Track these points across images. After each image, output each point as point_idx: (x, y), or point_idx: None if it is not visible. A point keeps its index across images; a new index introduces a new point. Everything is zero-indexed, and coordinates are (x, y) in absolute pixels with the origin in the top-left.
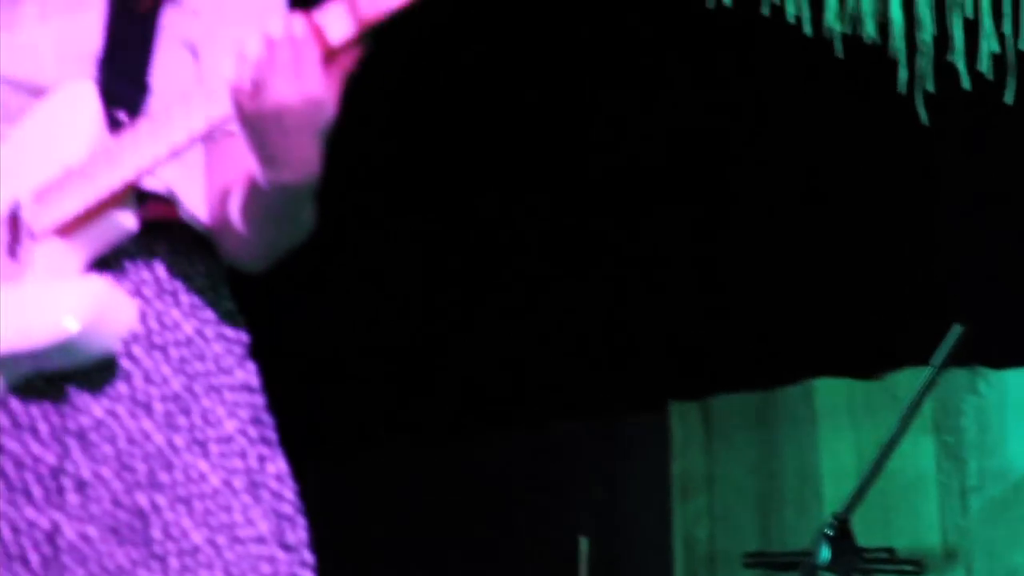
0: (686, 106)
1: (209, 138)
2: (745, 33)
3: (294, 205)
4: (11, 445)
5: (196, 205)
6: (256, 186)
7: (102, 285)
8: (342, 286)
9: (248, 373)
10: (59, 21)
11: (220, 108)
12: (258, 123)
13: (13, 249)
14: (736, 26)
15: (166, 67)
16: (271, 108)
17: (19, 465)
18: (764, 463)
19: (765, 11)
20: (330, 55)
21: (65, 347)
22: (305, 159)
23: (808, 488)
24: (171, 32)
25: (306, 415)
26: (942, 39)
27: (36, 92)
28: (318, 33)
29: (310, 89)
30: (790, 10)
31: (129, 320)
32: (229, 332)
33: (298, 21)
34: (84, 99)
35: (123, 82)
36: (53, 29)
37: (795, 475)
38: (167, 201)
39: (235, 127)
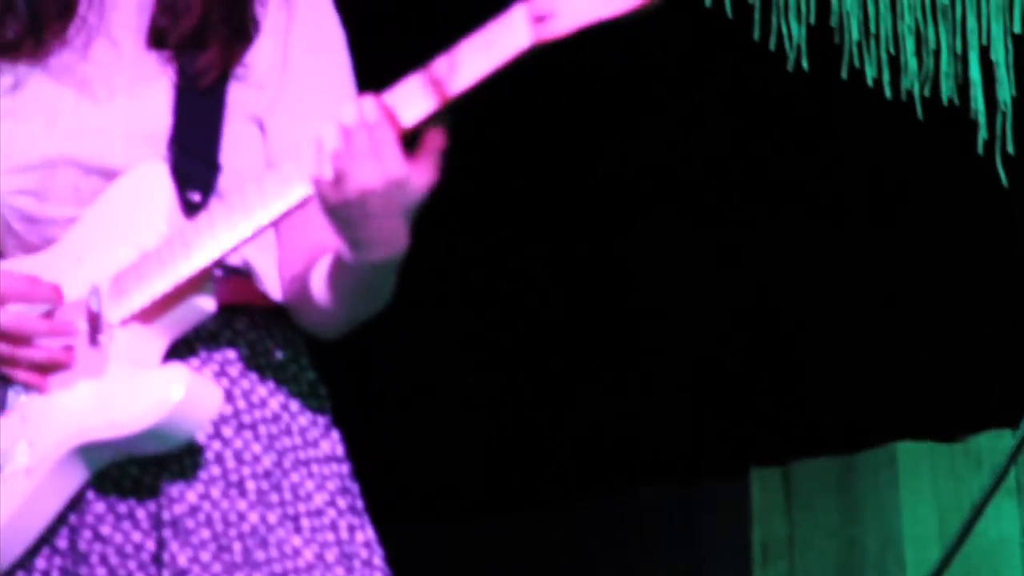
0: (767, 167)
1: (287, 217)
2: (824, 96)
3: (381, 279)
4: (112, 534)
5: (271, 278)
6: (342, 263)
7: (187, 371)
8: (421, 355)
9: (333, 443)
10: (126, 101)
11: (297, 191)
12: (343, 211)
13: (93, 337)
14: (816, 90)
15: (235, 144)
16: (355, 195)
17: (122, 554)
18: (845, 528)
19: (844, 74)
20: (410, 134)
21: (154, 434)
22: (392, 238)
23: (890, 553)
24: (237, 107)
25: (387, 481)
26: (1022, 100)
27: (107, 174)
28: (391, 115)
29: (391, 171)
30: (869, 73)
31: (215, 404)
32: (313, 404)
33: (370, 105)
34: (157, 181)
35: (194, 161)
36: (120, 110)
37: (877, 540)
38: (245, 276)
39: (318, 211)
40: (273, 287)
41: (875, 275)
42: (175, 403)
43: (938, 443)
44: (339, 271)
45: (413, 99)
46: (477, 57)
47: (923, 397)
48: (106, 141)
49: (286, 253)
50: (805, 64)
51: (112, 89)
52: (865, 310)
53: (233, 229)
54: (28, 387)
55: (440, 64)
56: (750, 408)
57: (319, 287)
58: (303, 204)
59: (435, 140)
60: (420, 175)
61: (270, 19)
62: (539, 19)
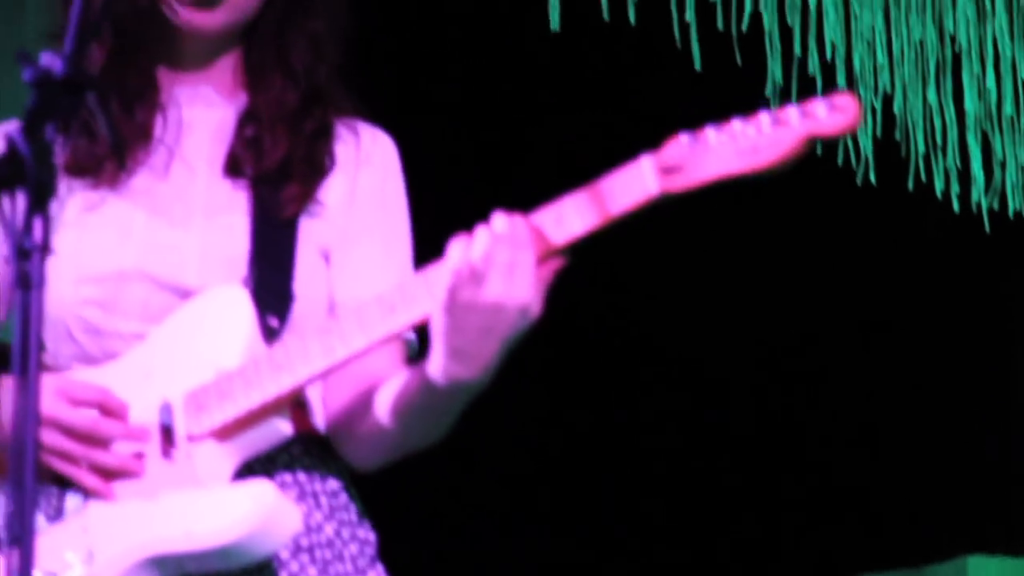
0: (841, 282)
1: (365, 354)
2: (894, 209)
3: (455, 404)
4: None
5: (318, 410)
6: (423, 381)
7: (274, 489)
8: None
9: (379, 573)
10: (203, 223)
11: (379, 330)
12: (466, 314)
13: (165, 450)
14: (883, 203)
15: (306, 274)
16: (485, 303)
17: None
18: None
19: (911, 186)
20: (544, 258)
21: (232, 549)
22: (489, 357)
23: None
24: (308, 238)
25: None
26: None
27: (180, 292)
28: (539, 236)
29: (521, 293)
30: (938, 186)
31: (296, 524)
32: (361, 533)
33: (520, 223)
34: (238, 304)
35: (271, 289)
36: (197, 231)
37: None
38: (299, 406)
39: (436, 314)
40: (319, 418)
41: (950, 390)
42: (261, 520)
43: (1009, 557)
44: (416, 390)
45: (560, 224)
46: (602, 202)
47: (994, 510)
48: (181, 260)
49: (335, 384)
50: (873, 177)
51: (188, 210)
52: (939, 424)
53: (314, 357)
54: (90, 494)
55: (558, 210)
56: (821, 519)
57: (384, 409)
58: (384, 340)
59: (554, 267)
60: (538, 302)
61: (341, 158)
62: (666, 171)
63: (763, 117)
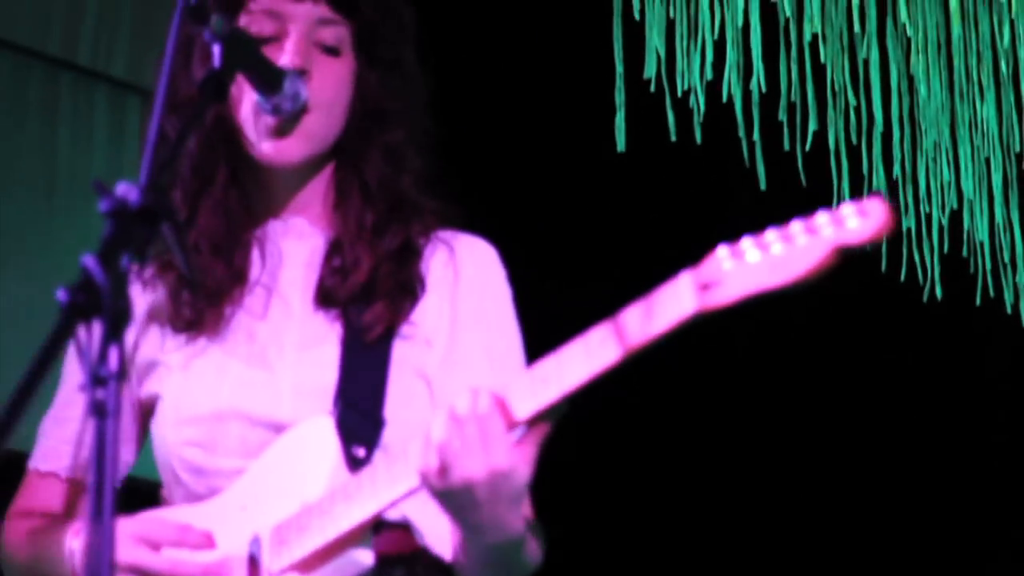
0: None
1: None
2: (961, 325)
3: (505, 557)
4: None
5: (431, 532)
6: (466, 542)
7: None
8: None
9: None
10: (295, 357)
11: (405, 484)
12: (450, 499)
13: None
14: (951, 320)
15: (401, 399)
16: (459, 484)
17: None
18: None
19: (978, 301)
20: (516, 425)
21: None
22: (503, 522)
23: None
24: (403, 363)
25: None
26: None
27: (275, 427)
28: (503, 407)
29: (497, 463)
30: (1007, 300)
31: None
32: None
33: (484, 396)
34: (323, 436)
35: (360, 416)
36: (290, 366)
37: None
38: (404, 529)
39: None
40: (435, 540)
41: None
42: None
43: None
44: (465, 549)
45: (525, 397)
46: (637, 323)
47: None
48: (274, 395)
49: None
50: (939, 292)
51: (282, 346)
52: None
53: (395, 484)
54: None
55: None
56: None
57: (459, 558)
58: (410, 494)
59: (539, 431)
60: (523, 464)
61: (435, 276)
62: (704, 287)
63: (795, 225)
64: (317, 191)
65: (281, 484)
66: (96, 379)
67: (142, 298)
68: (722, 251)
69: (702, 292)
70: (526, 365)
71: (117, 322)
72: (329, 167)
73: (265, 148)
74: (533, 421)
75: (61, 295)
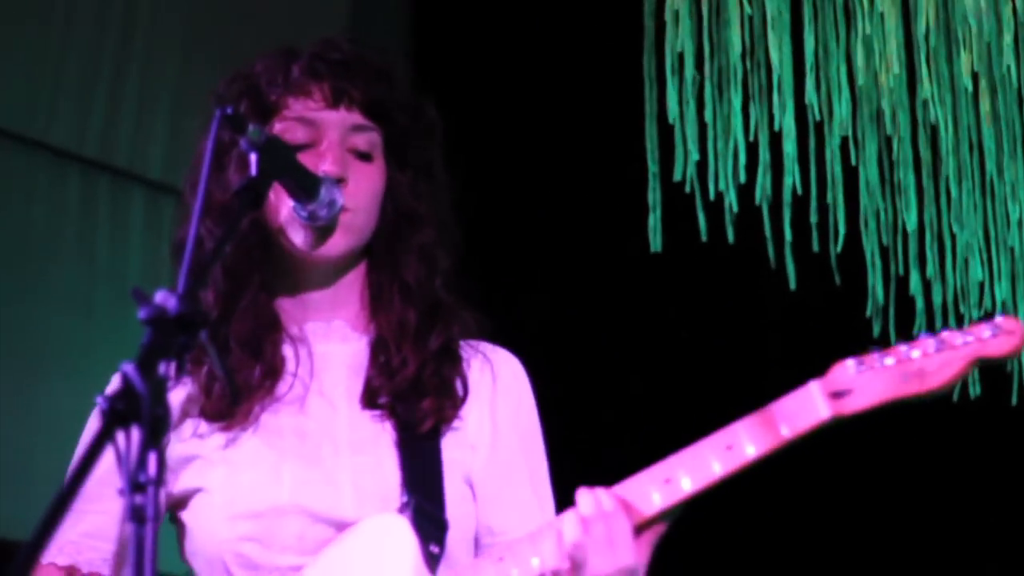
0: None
1: None
2: (999, 426)
3: None
4: None
5: None
6: None
7: None
8: None
9: None
10: (352, 458)
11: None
12: None
13: None
14: (989, 420)
15: (455, 502)
16: None
17: None
18: None
19: (1014, 400)
20: (642, 523)
21: None
22: None
23: None
24: (453, 466)
25: None
26: None
27: (336, 525)
28: (627, 507)
29: (623, 560)
30: None
31: None
32: None
33: (606, 497)
34: (400, 534)
35: (426, 517)
36: (347, 465)
37: None
38: None
39: None
40: None
41: None
42: None
43: None
44: None
45: (648, 494)
46: (770, 431)
47: None
48: (335, 493)
49: None
50: (974, 391)
51: (335, 445)
52: None
53: None
54: None
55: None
56: None
57: None
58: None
59: (658, 530)
60: (644, 560)
61: (475, 380)
62: (836, 395)
63: (928, 341)
64: (352, 292)
65: None
66: (135, 485)
67: (174, 392)
68: (850, 362)
69: (834, 399)
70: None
71: (156, 429)
72: (361, 268)
73: (308, 243)
74: (654, 521)
75: (100, 402)
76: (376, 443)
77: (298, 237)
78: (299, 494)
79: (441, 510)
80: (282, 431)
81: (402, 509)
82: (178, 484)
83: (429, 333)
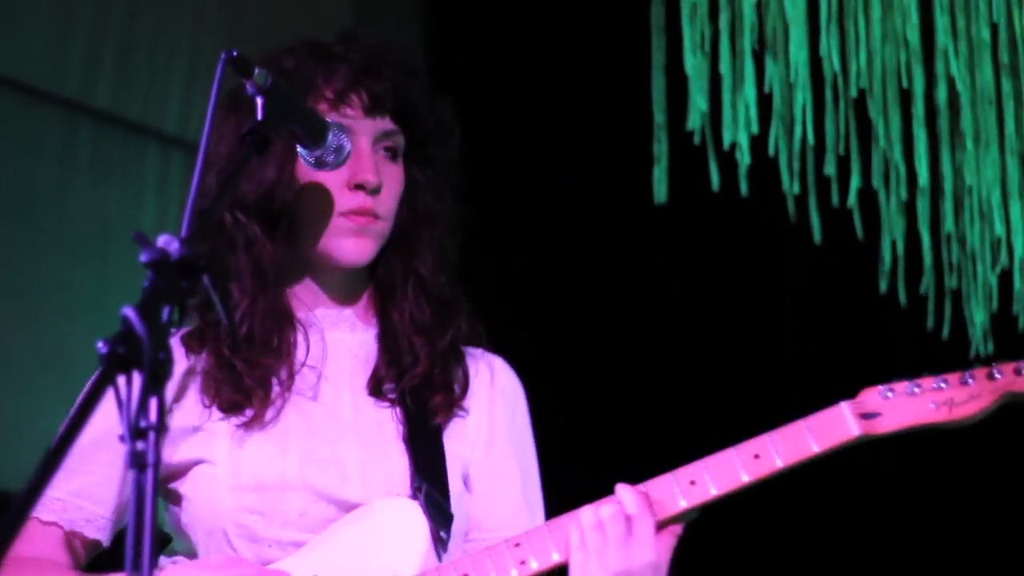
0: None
1: None
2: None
3: None
4: None
5: None
6: None
7: None
8: None
9: None
10: (358, 442)
11: (543, 559)
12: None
13: None
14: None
15: (456, 497)
16: (614, 572)
17: None
18: None
19: None
20: (665, 522)
21: None
22: None
23: None
24: (453, 460)
25: None
26: None
27: (340, 505)
28: (652, 504)
29: (646, 556)
30: None
31: None
32: None
33: (630, 494)
34: (413, 517)
35: (435, 505)
36: (353, 448)
37: None
38: None
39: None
40: None
41: None
42: None
43: None
44: None
45: (674, 497)
46: (800, 444)
47: None
48: (342, 475)
49: None
50: (988, 350)
51: (342, 429)
52: None
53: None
54: None
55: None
56: None
57: None
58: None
59: (677, 529)
60: (666, 556)
61: (474, 380)
62: (865, 416)
63: (958, 374)
64: (362, 284)
65: (366, 561)
66: (136, 431)
67: (183, 362)
68: (880, 388)
69: (863, 420)
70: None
71: (158, 374)
72: (374, 262)
73: (343, 246)
74: (674, 520)
75: (101, 346)
76: (381, 432)
77: (339, 247)
78: (306, 471)
79: (446, 501)
80: (289, 412)
81: (414, 495)
82: (177, 454)
83: (440, 330)
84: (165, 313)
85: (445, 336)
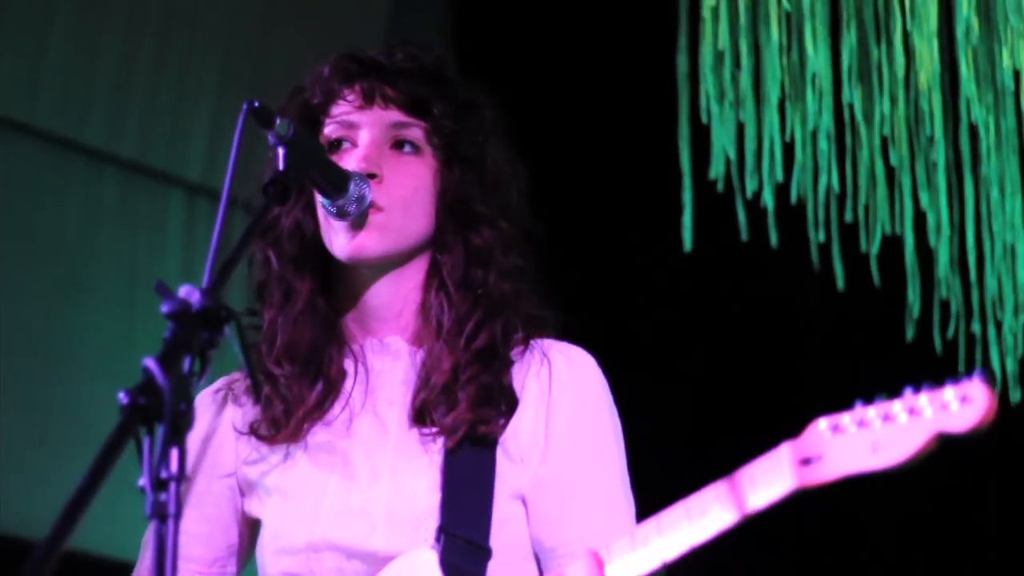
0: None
1: None
2: None
3: None
4: None
5: None
6: None
7: None
8: None
9: None
10: (389, 484)
11: None
12: None
13: None
14: None
15: (503, 524)
16: None
17: None
18: None
19: None
20: None
21: None
22: None
23: None
24: (503, 484)
25: None
26: None
27: (369, 559)
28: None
29: None
30: None
31: None
32: None
33: (581, 562)
34: (427, 571)
35: (464, 547)
36: (384, 493)
37: None
38: None
39: None
40: None
41: None
42: None
43: None
44: None
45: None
46: (737, 499)
47: None
48: (368, 525)
49: None
50: (1016, 397)
51: (376, 470)
52: None
53: None
54: None
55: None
56: None
57: None
58: None
59: None
60: None
61: (530, 389)
62: (804, 461)
63: (897, 405)
64: (410, 296)
65: None
66: (157, 482)
67: (237, 411)
68: (822, 423)
69: (802, 467)
70: (627, 479)
71: (179, 425)
72: (421, 270)
73: (342, 244)
74: None
75: (122, 397)
76: (418, 464)
77: (333, 241)
78: (331, 530)
79: (484, 536)
80: (331, 454)
81: (437, 538)
82: (248, 508)
83: (466, 332)
84: (186, 364)
85: (474, 339)
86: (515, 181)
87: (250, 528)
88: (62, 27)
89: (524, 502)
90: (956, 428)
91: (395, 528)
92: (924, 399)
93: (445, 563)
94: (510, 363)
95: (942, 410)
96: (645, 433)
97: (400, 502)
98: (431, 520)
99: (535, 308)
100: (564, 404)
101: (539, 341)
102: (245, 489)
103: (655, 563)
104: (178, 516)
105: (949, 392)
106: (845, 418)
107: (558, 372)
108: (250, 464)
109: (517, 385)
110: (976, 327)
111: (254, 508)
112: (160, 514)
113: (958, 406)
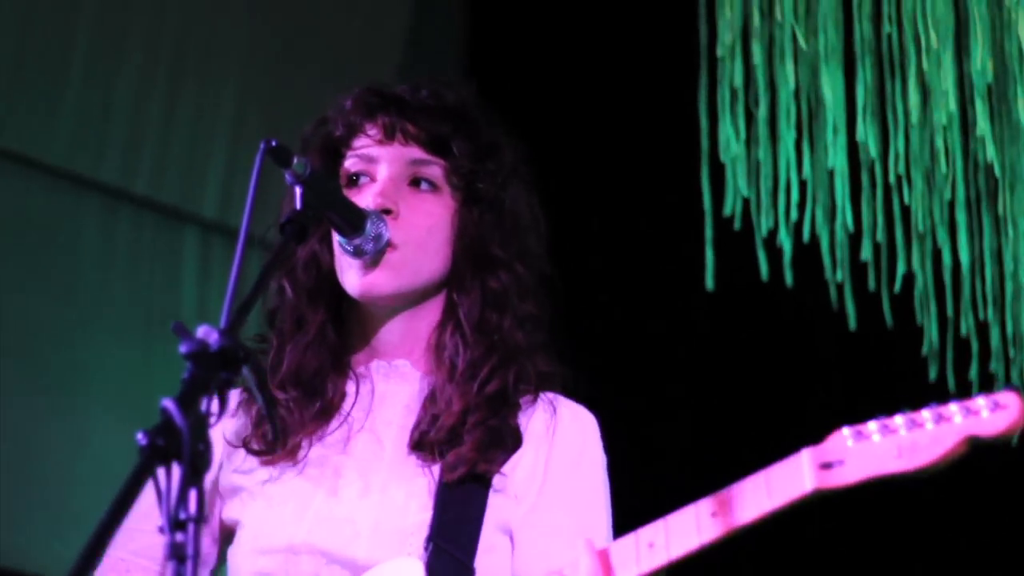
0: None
1: None
2: None
3: None
4: None
5: None
6: None
7: None
8: None
9: None
10: (379, 497)
11: None
12: None
13: None
14: None
15: (488, 551)
16: None
17: None
18: None
19: None
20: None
21: None
22: None
23: None
24: (492, 516)
25: None
26: None
27: (349, 566)
28: (607, 568)
29: None
30: None
31: None
32: None
33: (586, 556)
34: None
35: (449, 561)
36: (373, 505)
37: None
38: None
39: None
40: None
41: None
42: None
43: None
44: None
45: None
46: (755, 499)
47: None
48: (353, 532)
49: None
50: None
51: (367, 486)
52: None
53: None
54: None
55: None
56: None
57: None
58: None
59: None
60: None
61: (534, 433)
62: (826, 466)
63: (926, 413)
64: (421, 332)
65: None
66: (175, 523)
67: (230, 422)
68: (846, 431)
69: (822, 471)
70: (610, 534)
71: (196, 465)
72: (434, 308)
73: (354, 281)
74: None
75: (141, 438)
76: (412, 484)
77: (346, 277)
78: (314, 533)
79: (470, 556)
80: (323, 468)
81: (423, 552)
82: (226, 514)
83: (480, 376)
84: (204, 404)
85: (487, 384)
86: (535, 226)
87: (221, 537)
88: (78, 65)
89: (511, 537)
90: (987, 431)
91: (380, 538)
92: (954, 407)
93: (431, 573)
94: (518, 408)
95: (972, 415)
96: (664, 469)
97: (388, 515)
98: (419, 534)
99: (546, 364)
100: (565, 451)
101: (547, 394)
102: (227, 494)
103: (661, 561)
104: (196, 558)
105: (980, 400)
106: (870, 425)
107: (563, 422)
108: (240, 473)
109: (522, 425)
110: (995, 366)
111: (233, 511)
112: (179, 556)
113: (989, 412)
